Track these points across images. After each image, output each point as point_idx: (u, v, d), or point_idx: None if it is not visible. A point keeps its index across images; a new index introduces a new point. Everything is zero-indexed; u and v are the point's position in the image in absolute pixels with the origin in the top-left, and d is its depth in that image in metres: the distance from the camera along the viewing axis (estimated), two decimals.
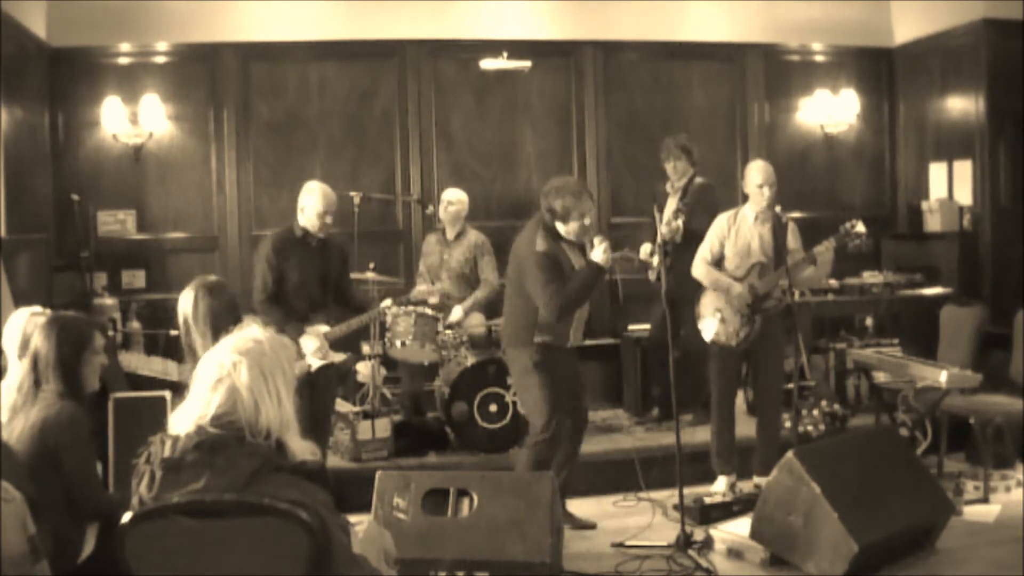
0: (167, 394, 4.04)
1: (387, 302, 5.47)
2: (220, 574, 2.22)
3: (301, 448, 2.39)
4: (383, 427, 5.66)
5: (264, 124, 7.38)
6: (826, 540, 4.07)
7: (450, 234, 6.49)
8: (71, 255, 6.83)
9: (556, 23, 7.66)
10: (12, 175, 6.07)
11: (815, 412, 5.72)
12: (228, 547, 2.22)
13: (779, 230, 5.20)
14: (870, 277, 7.14)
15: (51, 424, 3.20)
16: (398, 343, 5.82)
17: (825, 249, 5.19)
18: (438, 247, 6.51)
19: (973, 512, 4.97)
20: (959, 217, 7.45)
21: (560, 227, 4.63)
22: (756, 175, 5.31)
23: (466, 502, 4.15)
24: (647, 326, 6.65)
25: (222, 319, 3.61)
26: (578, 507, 5.01)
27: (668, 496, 5.15)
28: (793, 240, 5.31)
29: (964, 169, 7.50)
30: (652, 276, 6.19)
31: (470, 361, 5.77)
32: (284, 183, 7.25)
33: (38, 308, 3.67)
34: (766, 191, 5.25)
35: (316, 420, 4.98)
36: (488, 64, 7.40)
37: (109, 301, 6.68)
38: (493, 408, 5.72)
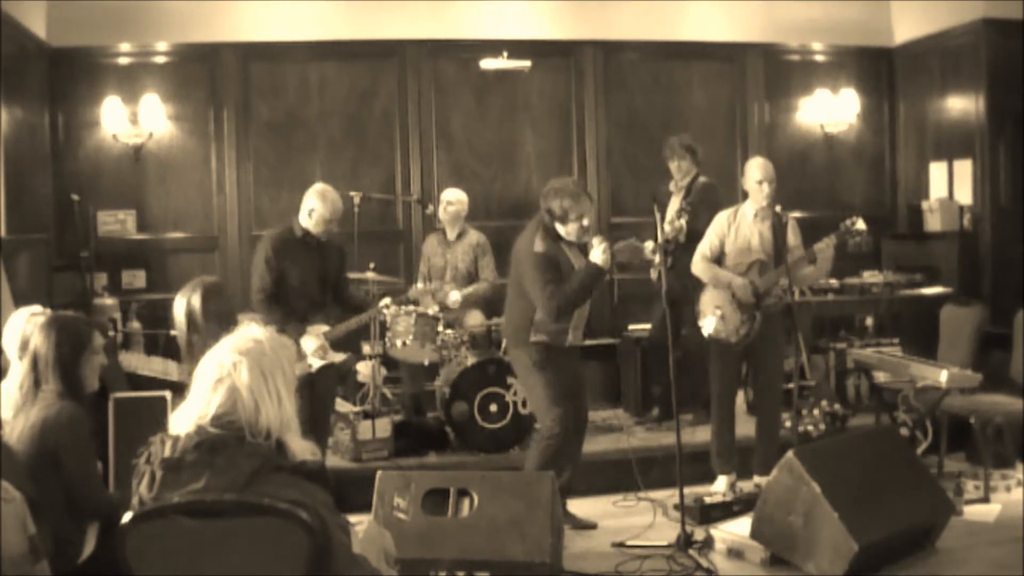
0: (167, 394, 4.05)
1: (385, 301, 5.48)
2: (220, 574, 2.22)
3: (301, 448, 2.38)
4: (383, 427, 5.66)
5: (264, 124, 7.38)
6: (826, 540, 4.07)
7: (450, 234, 6.49)
8: (71, 255, 6.83)
9: (556, 23, 7.66)
10: (12, 175, 6.07)
11: (815, 412, 5.72)
12: (228, 547, 2.22)
13: (779, 228, 5.20)
14: (870, 277, 7.14)
15: (51, 424, 3.20)
16: (398, 343, 5.82)
17: (825, 246, 5.19)
18: (439, 248, 6.52)
19: (973, 512, 4.96)
20: (959, 217, 7.45)
21: (559, 228, 4.64)
22: (755, 171, 5.32)
23: (466, 502, 4.15)
24: (647, 326, 6.65)
25: (221, 320, 3.61)
26: (578, 507, 5.01)
27: (668, 496, 5.16)
28: (793, 237, 5.31)
29: (964, 169, 7.50)
30: (653, 275, 6.19)
31: (470, 361, 5.77)
32: (284, 183, 7.26)
33: (38, 308, 3.67)
34: (765, 187, 5.25)
35: (316, 420, 4.99)
36: (488, 64, 7.40)
37: (109, 301, 6.68)
38: (493, 408, 5.72)
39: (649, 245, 6.04)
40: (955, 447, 5.77)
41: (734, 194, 6.66)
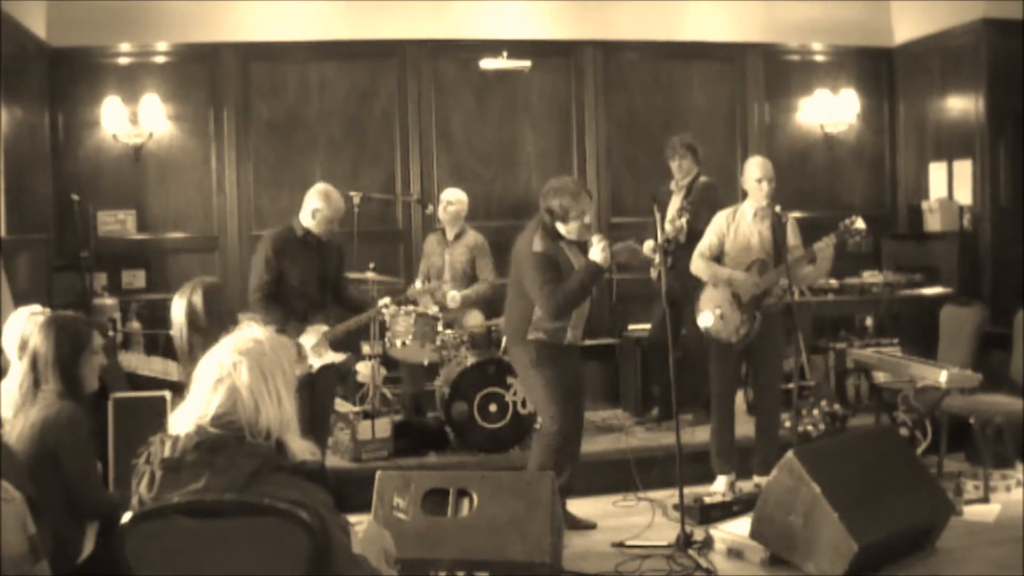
0: (167, 394, 4.05)
1: (385, 300, 5.48)
2: (220, 574, 2.22)
3: (301, 448, 2.39)
4: (383, 427, 5.66)
5: (264, 124, 7.38)
6: (826, 540, 4.07)
7: (449, 234, 6.50)
8: (71, 255, 6.83)
9: (556, 23, 7.66)
10: (12, 175, 6.07)
11: (815, 412, 5.73)
12: (228, 547, 2.22)
13: (778, 227, 5.20)
14: (870, 277, 7.14)
15: (51, 424, 3.20)
16: (398, 343, 5.82)
17: (825, 245, 5.19)
18: (439, 247, 6.52)
19: (973, 512, 4.96)
20: (959, 217, 7.45)
21: (560, 227, 4.65)
22: (754, 170, 5.32)
23: (466, 502, 4.15)
24: (647, 326, 6.65)
25: (220, 320, 3.61)
26: (578, 507, 5.01)
27: (668, 496, 5.15)
28: (793, 236, 5.31)
29: (964, 169, 7.50)
30: (653, 274, 6.19)
31: (470, 361, 5.77)
32: (284, 183, 7.27)
33: (37, 308, 3.66)
34: (764, 186, 5.25)
35: (316, 420, 4.99)
36: (488, 64, 7.40)
37: (109, 301, 6.68)
38: (493, 408, 5.72)
39: (649, 244, 6.04)
40: (955, 447, 5.77)
41: (734, 194, 6.65)
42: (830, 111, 8.00)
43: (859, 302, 7.01)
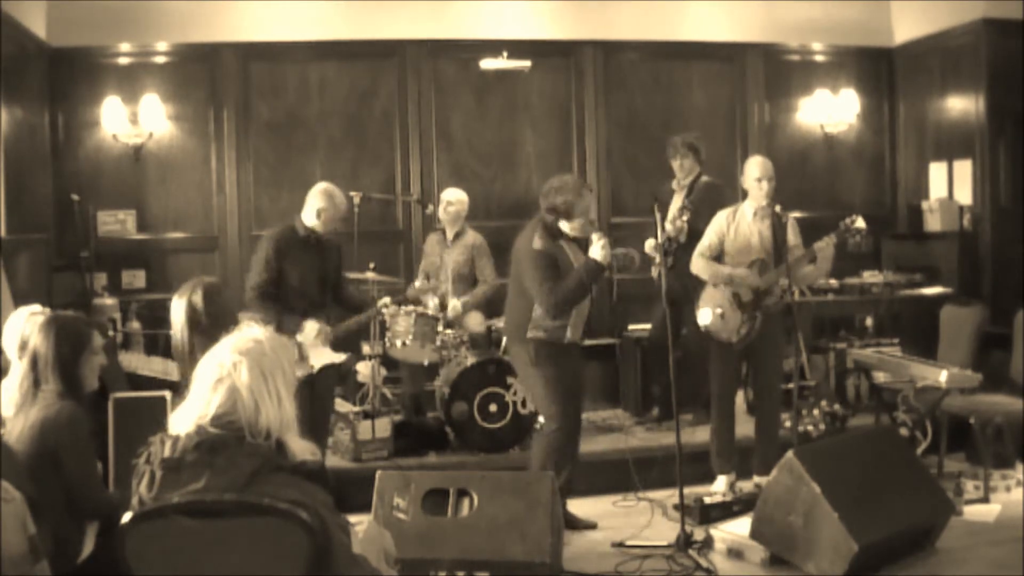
0: (167, 394, 4.04)
1: (384, 300, 5.48)
2: (220, 574, 2.22)
3: (301, 448, 2.39)
4: (383, 427, 5.66)
5: (264, 124, 7.38)
6: (826, 540, 4.07)
7: (449, 234, 6.50)
8: (71, 255, 6.83)
9: (556, 23, 7.66)
10: (12, 175, 6.07)
11: (815, 412, 5.73)
12: (228, 547, 2.22)
13: (778, 227, 5.20)
14: (870, 277, 7.14)
15: (51, 424, 3.20)
16: (398, 343, 5.82)
17: (825, 245, 5.19)
18: (438, 247, 6.52)
19: (973, 512, 4.96)
20: (959, 217, 7.45)
21: (564, 225, 4.66)
22: (754, 169, 5.32)
23: (466, 502, 4.15)
24: (647, 326, 6.65)
25: (220, 320, 3.60)
26: (578, 507, 5.01)
27: (668, 496, 5.15)
28: (793, 236, 5.31)
29: (964, 169, 7.50)
30: (654, 274, 6.19)
31: (470, 361, 5.77)
32: (284, 183, 7.27)
33: (37, 308, 3.66)
34: (764, 185, 5.26)
35: (316, 420, 4.98)
36: (488, 64, 7.40)
37: (109, 301, 6.67)
38: (493, 408, 5.72)
39: (650, 243, 6.04)
40: (955, 447, 5.77)
41: (734, 194, 6.65)
42: (830, 111, 8.00)
43: (859, 302, 7.01)
